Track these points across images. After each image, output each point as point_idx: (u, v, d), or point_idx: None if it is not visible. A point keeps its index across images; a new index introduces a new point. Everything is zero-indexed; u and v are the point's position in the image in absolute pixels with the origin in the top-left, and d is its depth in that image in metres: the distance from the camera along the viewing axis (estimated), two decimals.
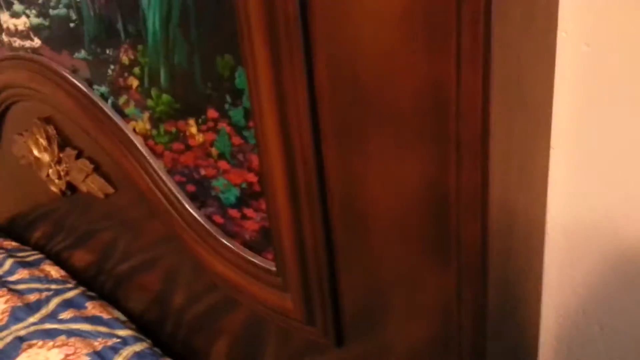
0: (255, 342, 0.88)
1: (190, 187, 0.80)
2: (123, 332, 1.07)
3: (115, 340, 1.04)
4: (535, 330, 0.67)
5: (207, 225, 0.79)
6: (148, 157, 0.83)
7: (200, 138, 0.74)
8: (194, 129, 0.74)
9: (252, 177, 0.71)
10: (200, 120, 0.73)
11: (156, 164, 0.83)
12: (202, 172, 0.77)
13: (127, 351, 1.01)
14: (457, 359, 0.59)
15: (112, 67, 0.81)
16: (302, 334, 0.76)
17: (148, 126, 0.81)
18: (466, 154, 0.49)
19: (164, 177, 0.82)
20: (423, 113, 0.51)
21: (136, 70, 0.78)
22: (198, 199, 0.80)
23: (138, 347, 1.03)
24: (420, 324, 0.62)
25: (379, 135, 0.54)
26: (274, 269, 0.73)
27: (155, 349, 1.05)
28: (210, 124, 0.72)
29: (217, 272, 0.82)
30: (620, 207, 0.55)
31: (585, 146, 0.55)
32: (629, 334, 0.59)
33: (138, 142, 0.84)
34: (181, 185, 0.81)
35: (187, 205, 0.81)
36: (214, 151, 0.74)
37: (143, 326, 1.11)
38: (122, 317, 1.13)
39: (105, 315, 1.11)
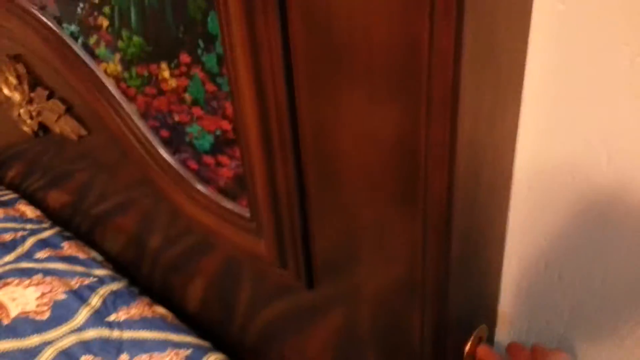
0: (230, 283, 0.90)
1: (164, 133, 0.80)
2: (100, 272, 1.08)
3: (92, 279, 1.05)
4: (497, 277, 0.70)
5: (181, 171, 0.79)
6: (120, 100, 0.82)
7: (173, 83, 0.73)
8: (166, 73, 0.73)
9: (226, 125, 0.70)
10: (172, 65, 0.72)
11: (128, 107, 0.81)
12: (176, 117, 0.76)
13: (104, 289, 1.03)
14: (422, 302, 0.62)
15: (81, 5, 0.79)
16: (274, 277, 0.78)
17: (119, 68, 0.79)
18: (436, 109, 0.50)
19: (137, 121, 0.81)
20: (395, 68, 0.50)
21: (106, 9, 0.75)
22: (172, 145, 0.80)
23: (115, 286, 1.04)
24: (387, 270, 0.64)
25: (351, 88, 0.54)
26: (247, 215, 0.74)
27: (132, 287, 1.07)
28: (183, 69, 0.71)
29: (192, 217, 0.82)
30: (584, 159, 0.57)
31: (557, 101, 0.56)
32: (585, 285, 0.62)
33: (109, 84, 0.82)
34: (155, 130, 0.81)
35: (160, 150, 0.80)
36: (187, 97, 0.73)
37: (120, 267, 1.12)
38: (99, 257, 1.14)
39: (81, 255, 1.12)
